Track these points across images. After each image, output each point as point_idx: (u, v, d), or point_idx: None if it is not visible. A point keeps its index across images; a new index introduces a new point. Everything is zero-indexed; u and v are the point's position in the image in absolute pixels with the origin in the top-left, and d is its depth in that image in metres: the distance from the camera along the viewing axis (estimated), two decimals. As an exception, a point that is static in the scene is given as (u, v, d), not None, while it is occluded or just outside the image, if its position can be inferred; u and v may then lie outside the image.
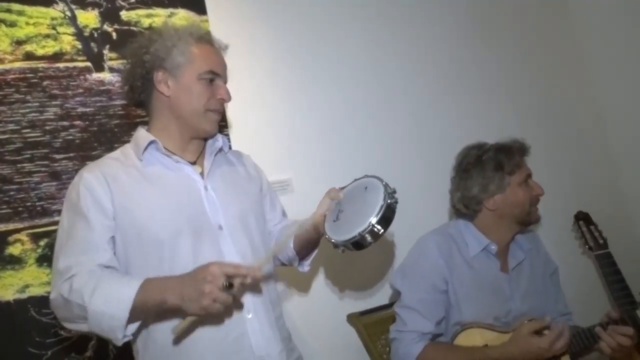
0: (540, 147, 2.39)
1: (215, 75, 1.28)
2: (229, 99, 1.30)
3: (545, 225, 2.32)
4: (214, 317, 1.16)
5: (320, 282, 1.90)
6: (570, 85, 2.59)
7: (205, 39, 1.30)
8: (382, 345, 1.77)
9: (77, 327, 1.13)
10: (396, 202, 1.19)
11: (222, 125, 1.75)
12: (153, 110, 1.30)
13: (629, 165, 2.55)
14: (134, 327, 1.12)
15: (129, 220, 1.18)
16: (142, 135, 1.27)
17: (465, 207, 1.68)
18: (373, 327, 1.80)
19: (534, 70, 2.50)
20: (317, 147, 1.98)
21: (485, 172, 1.64)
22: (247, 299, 1.23)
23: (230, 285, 1.04)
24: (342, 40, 2.09)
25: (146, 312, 1.12)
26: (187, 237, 1.19)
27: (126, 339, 1.11)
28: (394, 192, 1.21)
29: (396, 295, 1.69)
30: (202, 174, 1.29)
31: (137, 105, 1.36)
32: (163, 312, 1.13)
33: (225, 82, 1.31)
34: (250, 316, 1.22)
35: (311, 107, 2.00)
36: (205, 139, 1.34)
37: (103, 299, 1.07)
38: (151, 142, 1.25)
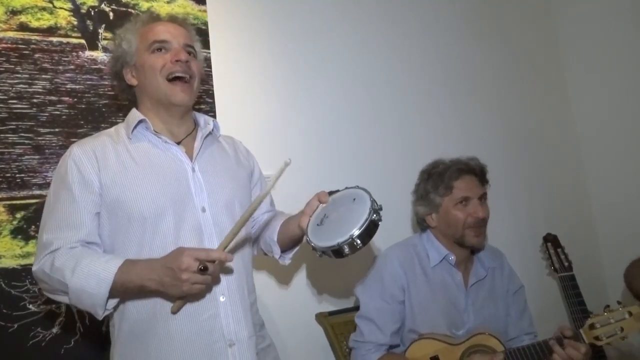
0: (516, 168, 2.49)
1: (161, 43, 1.29)
2: (184, 57, 1.28)
3: (514, 244, 2.39)
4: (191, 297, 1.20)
5: (293, 279, 1.92)
6: (550, 112, 2.66)
7: (152, 18, 1.35)
8: (347, 346, 1.81)
9: (60, 299, 1.18)
10: (380, 220, 1.21)
11: (211, 116, 1.76)
12: (138, 103, 1.36)
13: (601, 191, 2.64)
14: (113, 302, 1.17)
15: (115, 196, 1.20)
16: (133, 114, 1.32)
17: (417, 222, 1.83)
18: (340, 327, 1.84)
19: (517, 95, 2.57)
20: (299, 146, 2.00)
21: (426, 190, 1.77)
22: (222, 282, 1.25)
23: (205, 268, 1.10)
24: (335, 43, 2.13)
25: (126, 292, 1.17)
26: (170, 217, 1.21)
27: (107, 313, 1.16)
28: (380, 208, 1.23)
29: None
30: (190, 156, 1.31)
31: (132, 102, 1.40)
32: (144, 293, 1.18)
33: (180, 45, 1.30)
34: (223, 299, 1.23)
35: (298, 106, 2.02)
36: (195, 123, 1.38)
37: (83, 278, 1.11)
38: (141, 121, 1.28)
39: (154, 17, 1.36)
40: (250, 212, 1.19)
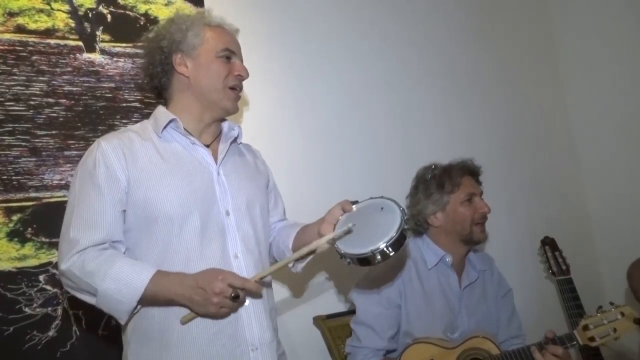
0: (514, 171, 2.49)
1: (231, 53, 1.33)
2: (247, 75, 1.35)
3: (512, 247, 2.39)
4: None
5: (291, 282, 1.92)
6: (548, 115, 2.67)
7: (216, 22, 1.37)
8: (345, 350, 1.80)
9: (84, 298, 1.18)
10: (409, 228, 1.22)
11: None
12: (173, 93, 1.34)
13: (599, 195, 2.64)
14: (138, 308, 1.18)
15: (142, 194, 1.20)
16: (162, 112, 1.31)
17: (415, 224, 1.79)
18: (337, 330, 1.84)
19: (515, 98, 2.57)
20: (299, 149, 2.00)
21: (429, 190, 1.76)
22: None
23: (236, 297, 1.11)
24: (335, 45, 2.12)
25: (153, 302, 1.17)
26: (196, 218, 1.21)
27: (130, 318, 1.18)
28: (408, 218, 1.23)
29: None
30: (215, 159, 1.31)
31: (157, 94, 1.39)
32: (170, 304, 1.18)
33: (241, 61, 1.36)
34: (247, 303, 1.23)
35: (298, 109, 2.02)
36: (222, 121, 1.38)
37: (114, 285, 1.11)
38: (171, 120, 1.27)
39: (216, 20, 1.37)
40: (301, 254, 1.23)
